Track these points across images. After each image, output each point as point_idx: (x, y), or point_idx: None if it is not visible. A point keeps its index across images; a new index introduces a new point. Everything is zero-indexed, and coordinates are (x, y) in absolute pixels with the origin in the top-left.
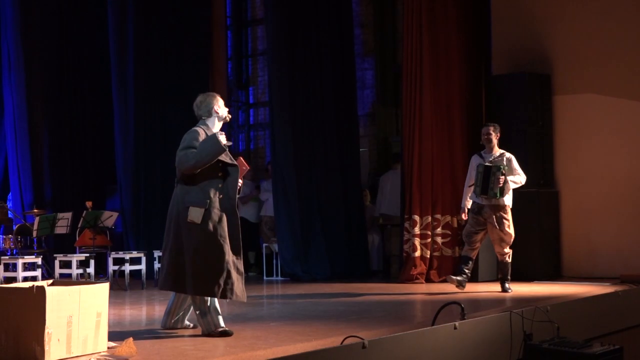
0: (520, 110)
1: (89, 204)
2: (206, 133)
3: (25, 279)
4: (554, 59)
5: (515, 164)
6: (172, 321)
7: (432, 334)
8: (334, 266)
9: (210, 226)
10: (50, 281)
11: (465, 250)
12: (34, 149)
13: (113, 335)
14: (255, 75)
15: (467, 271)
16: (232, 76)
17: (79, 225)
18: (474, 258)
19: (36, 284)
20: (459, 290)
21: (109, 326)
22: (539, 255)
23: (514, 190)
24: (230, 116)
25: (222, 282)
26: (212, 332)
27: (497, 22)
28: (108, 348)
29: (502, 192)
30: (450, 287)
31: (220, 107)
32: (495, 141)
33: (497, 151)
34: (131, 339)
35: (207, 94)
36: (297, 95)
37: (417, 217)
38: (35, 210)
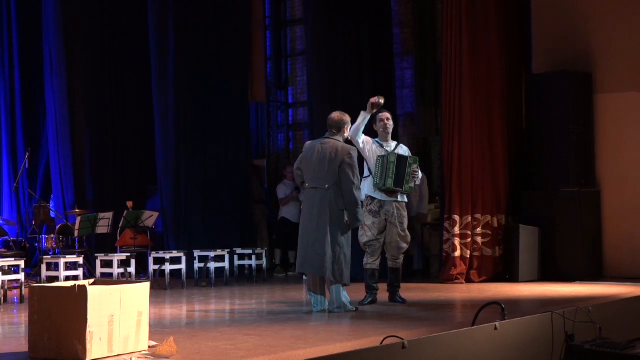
0: (561, 109)
1: (129, 204)
2: None
3: (67, 279)
4: (595, 57)
5: None
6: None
7: (472, 335)
8: None
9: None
10: (92, 280)
11: (369, 264)
12: (75, 150)
13: (154, 335)
14: (294, 75)
15: (376, 287)
16: (271, 76)
17: (120, 225)
18: (379, 268)
19: (78, 283)
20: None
21: (150, 325)
22: (581, 255)
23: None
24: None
25: None
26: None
27: (538, 20)
28: (149, 347)
29: (414, 187)
30: (491, 287)
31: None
32: None
33: (393, 142)
34: (172, 338)
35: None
36: (336, 95)
37: (457, 217)
38: (77, 210)
